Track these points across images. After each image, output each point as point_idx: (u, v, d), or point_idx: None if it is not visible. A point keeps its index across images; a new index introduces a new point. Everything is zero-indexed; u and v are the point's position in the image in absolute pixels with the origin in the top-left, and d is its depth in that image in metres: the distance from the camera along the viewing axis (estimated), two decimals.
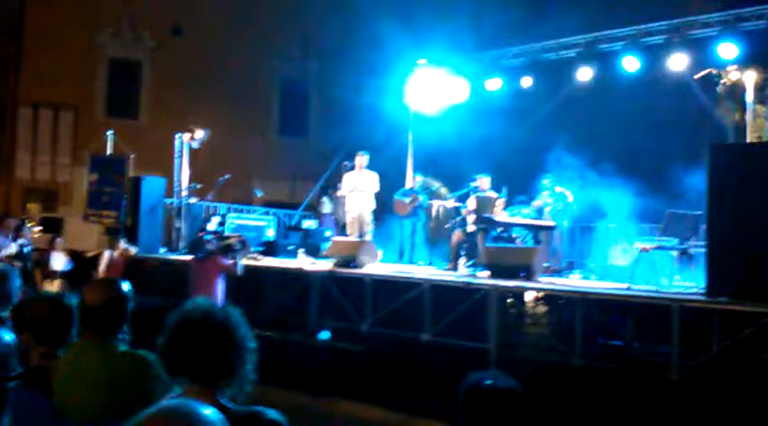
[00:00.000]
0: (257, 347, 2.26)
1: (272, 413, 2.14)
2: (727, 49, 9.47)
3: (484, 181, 10.07)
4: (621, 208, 10.07)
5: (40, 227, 11.71)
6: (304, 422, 5.81)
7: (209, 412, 1.28)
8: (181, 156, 11.73)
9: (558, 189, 10.39)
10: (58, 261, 10.00)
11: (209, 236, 8.02)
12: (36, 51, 17.23)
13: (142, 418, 1.24)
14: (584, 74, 11.18)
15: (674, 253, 7.55)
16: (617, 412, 5.99)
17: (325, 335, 7.68)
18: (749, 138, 7.17)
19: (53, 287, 9.66)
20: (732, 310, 5.89)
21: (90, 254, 10.88)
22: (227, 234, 10.17)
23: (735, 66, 7.73)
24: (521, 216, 10.20)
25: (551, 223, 10.04)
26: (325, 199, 13.22)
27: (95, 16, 17.47)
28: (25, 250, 10.09)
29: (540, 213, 10.38)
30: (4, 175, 17.48)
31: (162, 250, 11.34)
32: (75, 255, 10.77)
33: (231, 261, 7.57)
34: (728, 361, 5.75)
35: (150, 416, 1.23)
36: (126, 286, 2.97)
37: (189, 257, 8.17)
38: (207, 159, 12.48)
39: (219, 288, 7.49)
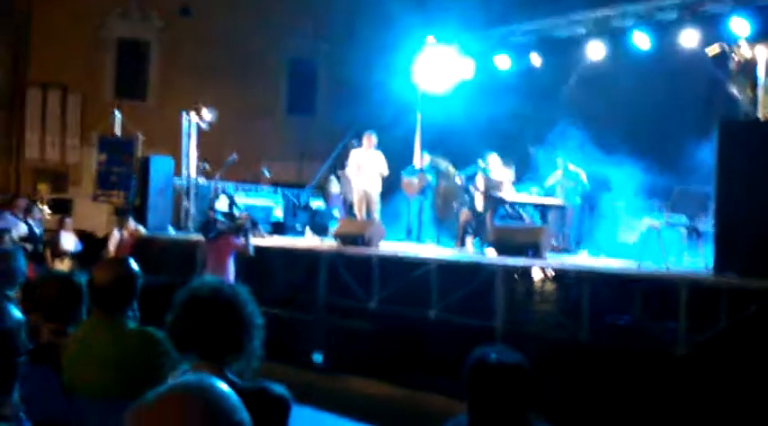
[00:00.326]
0: (265, 324, 2.28)
1: (279, 389, 2.16)
2: (740, 25, 9.34)
3: (492, 160, 10.03)
4: (631, 185, 10.02)
5: (50, 208, 11.79)
6: (311, 398, 5.88)
7: (225, 387, 1.29)
8: (189, 136, 11.74)
9: (570, 167, 10.35)
10: (68, 242, 10.08)
11: (219, 216, 8.05)
12: (44, 33, 17.22)
13: (162, 393, 1.24)
14: (595, 51, 11.07)
15: (683, 231, 7.52)
16: (623, 387, 6.01)
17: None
18: (761, 114, 7.10)
19: (63, 267, 9.75)
20: (740, 287, 5.88)
21: (100, 235, 10.96)
22: (237, 213, 10.21)
23: (746, 42, 7.63)
24: (529, 194, 10.18)
25: (560, 201, 10.02)
26: (333, 178, 13.22)
27: None
28: (36, 231, 10.17)
29: (551, 191, 10.36)
30: (14, 157, 17.57)
31: (171, 229, 11.40)
32: (84, 236, 10.85)
33: (243, 241, 7.60)
34: (735, 338, 5.75)
35: (168, 391, 1.24)
36: (135, 264, 3.00)
37: (200, 237, 8.21)
38: (215, 139, 12.49)
39: (231, 267, 7.54)
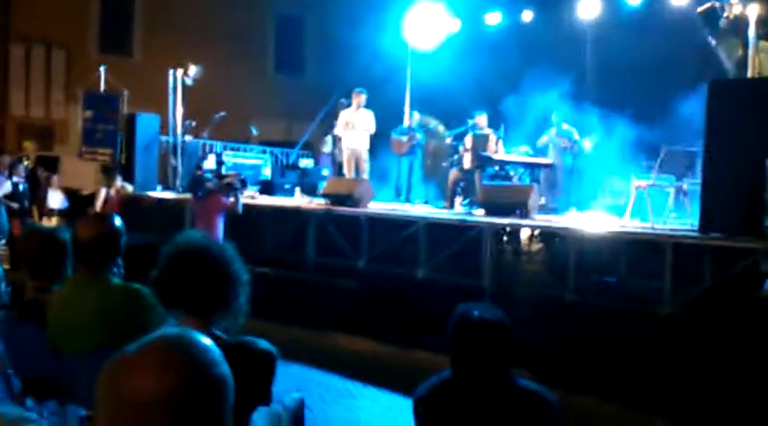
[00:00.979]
0: (253, 282, 2.28)
1: (264, 343, 2.18)
2: None
3: (481, 119, 10.01)
4: (620, 145, 10.01)
5: (36, 165, 11.67)
6: (298, 354, 5.94)
7: (207, 341, 1.29)
8: (175, 93, 11.58)
9: (564, 126, 10.32)
10: (55, 199, 10.01)
11: (208, 175, 7.99)
12: None
13: (143, 345, 1.23)
14: (586, 7, 10.95)
15: (670, 190, 7.55)
16: (609, 346, 6.10)
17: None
18: (750, 74, 7.07)
19: (50, 224, 9.70)
20: (724, 246, 5.93)
21: (86, 192, 10.88)
22: (225, 172, 10.15)
23: (738, 0, 7.55)
24: (518, 153, 10.17)
25: (548, 160, 10.02)
26: (327, 138, 13.12)
27: None
28: (20, 187, 10.09)
29: (544, 150, 10.34)
30: None
31: (158, 188, 11.33)
32: (71, 193, 10.77)
33: (232, 200, 7.57)
34: (720, 297, 5.83)
35: (151, 343, 1.23)
36: (118, 221, 2.98)
37: (188, 196, 8.17)
38: (202, 96, 12.34)
39: (220, 226, 7.52)
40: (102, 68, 11.98)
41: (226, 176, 8.44)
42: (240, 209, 7.65)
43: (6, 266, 7.38)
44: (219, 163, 11.38)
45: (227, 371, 1.24)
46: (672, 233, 6.53)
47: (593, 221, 8.23)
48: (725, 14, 7.52)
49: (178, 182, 11.38)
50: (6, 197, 9.57)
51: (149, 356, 1.19)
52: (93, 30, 17.88)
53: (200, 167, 11.04)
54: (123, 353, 1.20)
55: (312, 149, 14.21)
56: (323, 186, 10.32)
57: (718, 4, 7.79)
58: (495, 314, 2.42)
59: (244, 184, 8.28)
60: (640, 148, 9.68)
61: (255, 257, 8.46)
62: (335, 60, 15.46)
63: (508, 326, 2.40)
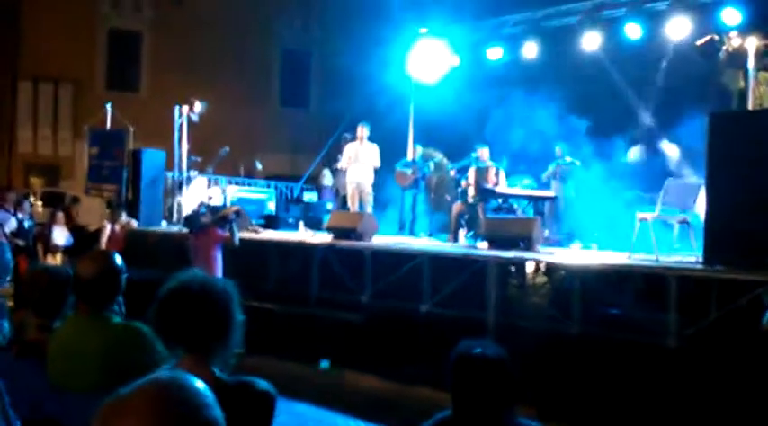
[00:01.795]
0: (257, 317, 2.28)
1: (263, 384, 2.16)
2: (731, 15, 9.33)
3: (483, 152, 10.05)
4: (623, 176, 10.03)
5: (42, 202, 11.74)
6: (304, 392, 5.89)
7: (200, 384, 1.29)
8: (180, 129, 11.69)
9: (567, 159, 10.42)
10: (60, 236, 10.03)
11: (204, 210, 8.00)
12: (35, 24, 17.12)
13: (135, 388, 1.24)
14: (587, 41, 11.05)
15: (675, 223, 7.53)
16: (614, 379, 6.03)
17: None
18: (750, 106, 7.10)
19: (55, 261, 9.71)
20: (729, 279, 5.90)
21: (91, 228, 10.91)
22: (221, 206, 10.19)
23: (737, 33, 7.63)
24: (521, 186, 10.19)
25: (551, 193, 10.04)
26: (326, 171, 13.20)
27: None
28: (26, 224, 10.12)
29: (548, 184, 10.40)
30: (6, 150, 17.50)
31: (163, 223, 11.37)
32: (76, 229, 10.80)
33: (228, 233, 7.56)
34: (725, 329, 5.77)
35: (143, 386, 1.24)
36: (119, 259, 2.98)
37: (185, 231, 8.19)
38: (207, 131, 12.45)
39: (218, 260, 7.51)
40: (108, 105, 12.12)
41: (222, 209, 8.46)
42: (237, 242, 7.64)
43: (11, 304, 7.38)
44: (209, 198, 11.34)
45: (218, 415, 1.23)
46: (676, 265, 6.50)
47: (597, 254, 8.21)
48: (724, 47, 7.59)
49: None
50: (12, 234, 9.61)
51: (140, 399, 1.19)
52: (101, 67, 18.16)
53: (201, 202, 11.08)
54: (116, 396, 1.20)
55: (316, 183, 14.28)
56: (327, 220, 10.34)
57: (716, 37, 7.87)
58: (496, 351, 2.40)
59: (240, 216, 8.30)
60: (645, 180, 9.69)
61: (260, 292, 8.47)
62: (340, 94, 15.62)
63: (509, 364, 2.39)
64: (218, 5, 17.62)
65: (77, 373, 2.75)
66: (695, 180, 7.81)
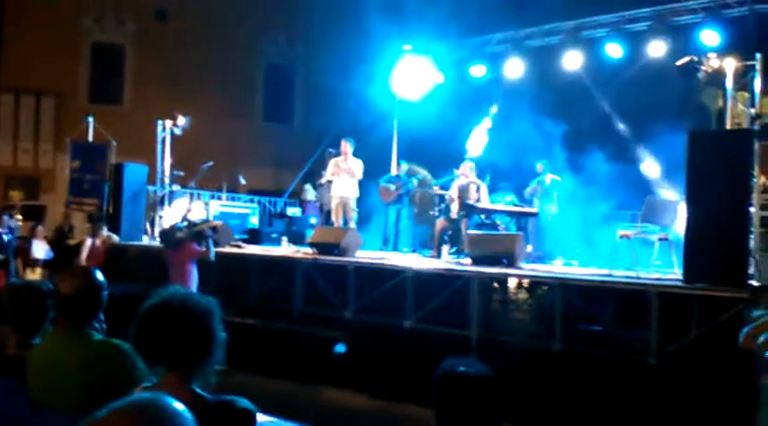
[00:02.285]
0: (239, 333, 2.27)
1: (244, 402, 2.15)
2: (710, 36, 9.52)
3: (465, 168, 10.07)
4: (603, 194, 10.13)
5: (22, 215, 11.62)
6: (287, 410, 5.83)
7: (179, 406, 1.28)
8: (163, 143, 11.64)
9: (549, 175, 10.53)
10: (40, 250, 9.93)
11: (180, 224, 7.94)
12: (17, 36, 17.00)
13: (113, 409, 1.23)
14: (569, 60, 11.20)
15: (655, 240, 7.61)
16: (596, 396, 6.06)
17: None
18: (729, 125, 7.23)
19: (35, 275, 9.60)
20: (709, 296, 5.96)
21: (72, 242, 10.81)
22: (199, 221, 10.13)
23: (715, 54, 7.79)
24: (504, 203, 10.25)
25: (534, 209, 10.11)
26: (308, 186, 13.20)
27: (77, 0, 17.28)
28: (5, 238, 10.01)
29: (530, 200, 10.48)
30: None
31: (144, 237, 11.29)
32: (56, 243, 10.69)
33: (203, 249, 7.52)
34: (706, 346, 5.82)
35: (121, 408, 1.23)
36: (100, 275, 2.96)
37: (161, 246, 8.13)
38: (190, 146, 12.41)
39: (193, 275, 7.45)
40: (90, 118, 12.05)
41: (196, 224, 8.42)
42: (212, 257, 7.60)
43: None
44: (186, 213, 11.29)
45: None
46: (657, 282, 6.56)
47: (578, 270, 8.27)
48: (703, 67, 7.73)
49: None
50: None
51: (119, 422, 1.18)
52: (83, 80, 18.05)
53: (184, 217, 11.03)
54: (94, 418, 1.20)
55: (299, 198, 14.25)
56: (310, 235, 10.32)
57: (696, 58, 8.01)
58: (481, 369, 2.40)
59: (216, 231, 8.26)
60: (625, 198, 9.80)
61: (242, 307, 8.42)
62: (324, 110, 15.66)
63: (494, 382, 2.39)
64: (202, 20, 17.62)
65: (57, 390, 2.72)
66: (674, 197, 7.91)
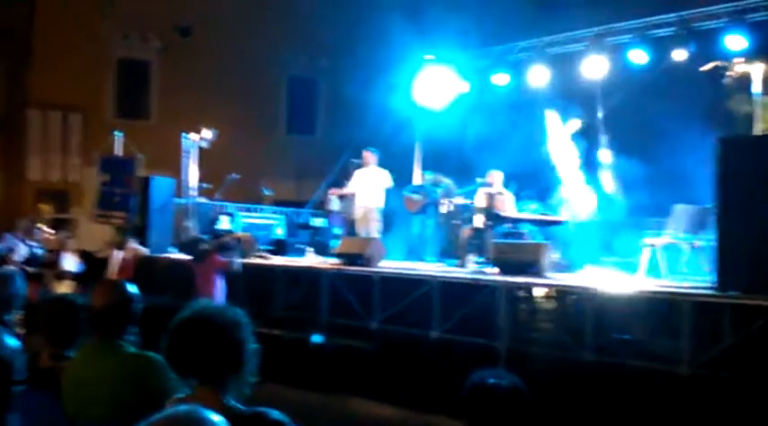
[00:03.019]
0: (265, 344, 2.28)
1: (276, 414, 2.15)
2: (735, 41, 9.40)
3: (494, 177, 10.00)
4: (631, 201, 10.02)
5: (52, 229, 11.78)
6: (313, 421, 5.83)
7: (217, 418, 1.29)
8: (189, 156, 11.77)
9: (575, 183, 10.41)
10: (69, 263, 10.05)
11: (206, 236, 8.03)
12: (44, 53, 17.33)
13: (152, 423, 1.24)
14: (592, 67, 11.12)
15: (684, 247, 7.51)
16: (628, 407, 5.97)
17: (317, 339, 7.67)
18: (756, 130, 7.13)
19: (65, 288, 9.72)
20: (743, 304, 5.85)
21: (101, 255, 10.94)
22: (223, 231, 10.23)
23: (742, 59, 7.69)
24: (528, 211, 10.18)
25: (561, 218, 10.02)
26: (332, 196, 13.22)
27: (103, 17, 17.57)
28: (36, 252, 10.16)
29: (556, 208, 10.37)
30: (16, 177, 17.61)
31: (172, 249, 11.40)
32: (86, 256, 10.83)
33: (228, 259, 7.58)
34: (740, 356, 5.72)
35: (160, 421, 1.24)
36: (133, 288, 3.00)
37: (185, 257, 8.21)
38: (215, 158, 12.53)
39: (219, 286, 7.51)
40: (118, 133, 12.23)
41: (221, 236, 8.50)
42: (237, 268, 7.66)
43: (20, 330, 7.38)
44: (213, 222, 11.42)
45: None
46: (689, 291, 6.46)
47: (607, 279, 8.17)
48: (729, 73, 7.64)
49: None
50: (22, 261, 9.64)
51: None
52: (110, 94, 18.33)
53: (212, 228, 11.13)
54: None
55: (323, 208, 14.30)
56: (334, 245, 10.34)
57: (722, 63, 7.92)
58: (511, 380, 2.39)
59: (240, 243, 8.33)
60: (653, 205, 9.68)
61: (268, 318, 8.45)
62: (346, 121, 15.71)
63: (524, 392, 2.37)
64: (225, 35, 17.83)
65: (92, 402, 2.75)
66: (702, 204, 7.79)
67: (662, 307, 6.51)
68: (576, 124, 11.29)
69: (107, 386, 2.75)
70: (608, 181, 10.50)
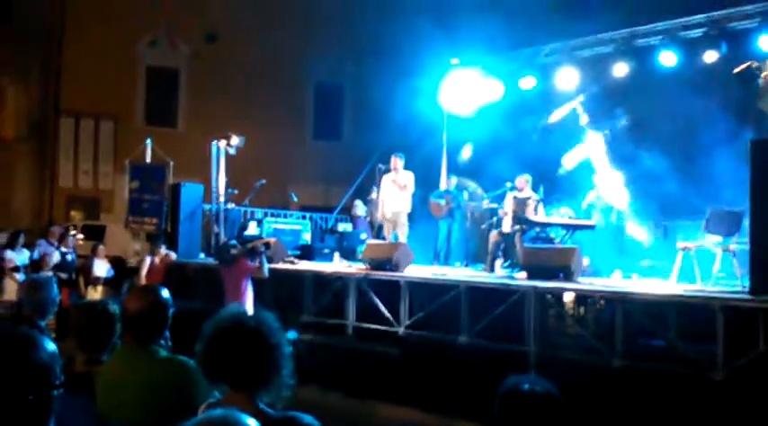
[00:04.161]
0: (293, 348, 2.29)
1: (308, 418, 2.16)
2: (767, 42, 9.25)
3: (521, 181, 9.93)
4: (663, 205, 9.89)
5: (83, 235, 11.98)
6: (337, 424, 5.84)
7: (252, 422, 1.29)
8: (218, 163, 11.88)
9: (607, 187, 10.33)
10: (101, 268, 10.21)
11: (234, 242, 8.08)
12: (76, 62, 17.67)
13: None
14: (621, 69, 11.01)
15: (717, 251, 7.38)
16: (659, 413, 5.88)
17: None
18: None
19: (96, 293, 9.88)
20: None
21: (133, 262, 11.10)
22: (252, 237, 10.30)
23: None
24: (558, 215, 10.09)
25: (590, 222, 9.91)
26: (358, 202, 13.25)
27: (132, 26, 17.86)
28: (69, 257, 10.34)
29: (588, 212, 10.27)
30: (48, 184, 17.95)
31: (201, 255, 11.51)
32: (116, 262, 10.99)
33: (257, 264, 7.62)
34: None
35: (196, 425, 1.25)
36: (166, 293, 3.03)
37: (215, 263, 8.28)
38: (243, 164, 12.64)
39: (248, 291, 7.55)
40: (148, 140, 12.40)
41: (250, 241, 8.55)
42: (266, 273, 7.70)
43: (53, 334, 7.51)
44: (241, 229, 11.52)
45: None
46: (722, 295, 6.35)
47: (638, 284, 8.07)
48: (762, 74, 7.50)
49: None
50: (55, 266, 9.82)
51: None
52: (140, 103, 18.62)
53: (240, 234, 11.21)
54: None
55: (350, 214, 14.33)
56: (361, 250, 10.34)
57: (755, 64, 7.78)
58: (545, 386, 2.36)
59: (268, 248, 8.37)
60: (686, 209, 9.54)
61: (295, 323, 8.48)
62: (372, 126, 15.74)
63: (558, 399, 2.34)
64: (252, 41, 18.00)
65: (125, 406, 2.78)
66: (736, 207, 7.66)
67: (694, 312, 6.41)
68: (606, 127, 11.19)
69: (140, 389, 2.77)
70: (638, 184, 10.37)
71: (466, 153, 11.08)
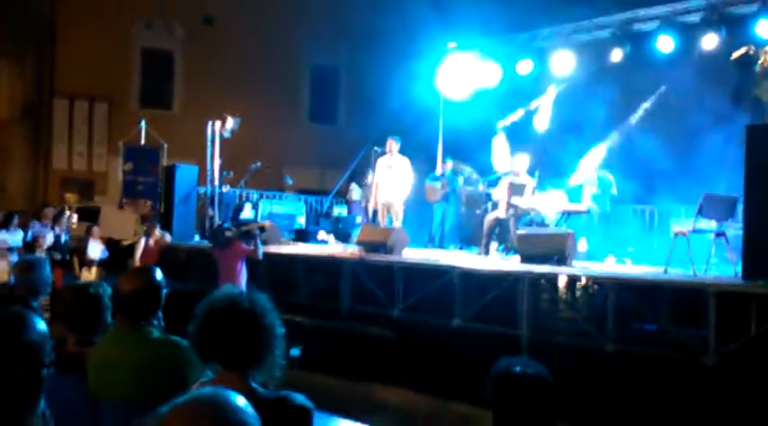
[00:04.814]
0: (287, 331, 2.29)
1: (300, 398, 2.16)
2: (766, 27, 9.20)
3: (519, 163, 9.83)
4: (657, 190, 9.90)
5: (77, 215, 11.95)
6: (336, 406, 5.86)
7: (241, 401, 1.30)
8: (212, 145, 11.84)
9: (600, 172, 10.30)
10: (95, 250, 10.20)
11: (228, 224, 8.09)
12: (69, 44, 17.52)
13: (176, 405, 1.25)
14: (618, 54, 10.96)
15: (711, 236, 7.40)
16: (650, 396, 5.92)
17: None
18: None
19: (90, 275, 9.87)
20: None
21: (126, 243, 11.08)
22: (246, 220, 10.29)
23: None
24: (554, 200, 10.08)
25: (584, 207, 9.91)
26: (353, 185, 13.24)
27: (127, 7, 17.70)
28: (63, 239, 10.32)
29: (578, 191, 10.25)
30: (42, 166, 17.87)
31: (196, 237, 11.50)
32: (111, 243, 10.97)
33: (251, 247, 7.63)
34: (766, 345, 5.63)
35: (183, 404, 1.25)
36: (159, 274, 3.03)
37: (210, 245, 8.29)
38: (238, 147, 12.60)
39: (242, 274, 7.57)
40: (142, 122, 12.33)
41: (246, 223, 8.54)
42: (260, 255, 7.73)
43: (47, 315, 7.51)
44: (237, 211, 11.52)
45: None
46: (715, 280, 6.38)
47: (631, 268, 8.09)
48: (759, 60, 7.49)
49: None
50: (49, 247, 9.80)
51: (180, 418, 1.20)
52: (134, 85, 18.49)
53: (235, 217, 11.20)
54: (156, 414, 1.22)
55: (345, 197, 14.33)
56: (356, 234, 10.35)
57: (752, 50, 7.76)
58: (537, 368, 2.38)
59: (263, 231, 8.39)
60: (679, 193, 9.56)
61: (290, 305, 8.50)
62: (368, 109, 15.70)
63: (550, 382, 2.36)
64: (248, 24, 17.88)
65: (117, 385, 2.79)
66: (730, 192, 7.67)
67: (687, 297, 6.44)
68: (601, 111, 11.16)
69: (132, 368, 2.78)
70: (630, 167, 10.37)
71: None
